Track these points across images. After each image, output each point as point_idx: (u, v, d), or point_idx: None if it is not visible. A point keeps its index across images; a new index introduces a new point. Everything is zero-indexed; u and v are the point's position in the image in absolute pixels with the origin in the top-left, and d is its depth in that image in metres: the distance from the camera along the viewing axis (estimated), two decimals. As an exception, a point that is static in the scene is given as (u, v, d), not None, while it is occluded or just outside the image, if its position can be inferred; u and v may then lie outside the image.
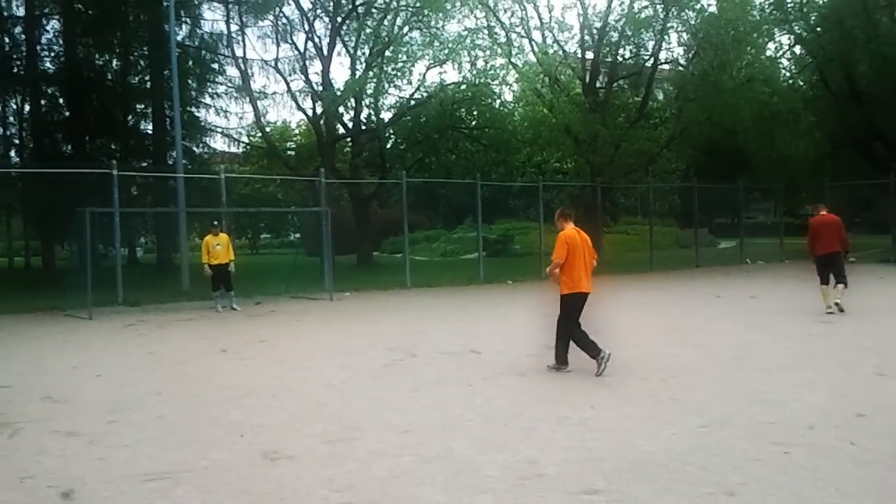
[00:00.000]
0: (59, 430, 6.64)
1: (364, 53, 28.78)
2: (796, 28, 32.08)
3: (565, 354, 8.90)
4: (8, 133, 33.00)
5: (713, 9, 26.44)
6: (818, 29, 31.66)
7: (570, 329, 8.81)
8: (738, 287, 19.94)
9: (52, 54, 31.08)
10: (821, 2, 31.66)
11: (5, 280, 22.89)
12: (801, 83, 34.12)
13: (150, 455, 5.87)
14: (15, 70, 30.18)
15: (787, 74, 33.88)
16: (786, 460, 5.47)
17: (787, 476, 5.13)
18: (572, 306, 8.79)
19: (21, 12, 29.31)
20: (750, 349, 10.25)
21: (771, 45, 30.65)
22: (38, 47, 29.40)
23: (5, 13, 30.14)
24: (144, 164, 31.21)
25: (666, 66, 30.25)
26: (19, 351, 11.53)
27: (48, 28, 30.74)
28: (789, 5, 31.10)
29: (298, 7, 29.19)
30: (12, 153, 32.74)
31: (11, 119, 33.08)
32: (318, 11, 29.46)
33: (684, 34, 28.06)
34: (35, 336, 13.16)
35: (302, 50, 29.81)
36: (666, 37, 27.71)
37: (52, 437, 6.46)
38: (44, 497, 5.00)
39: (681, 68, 29.55)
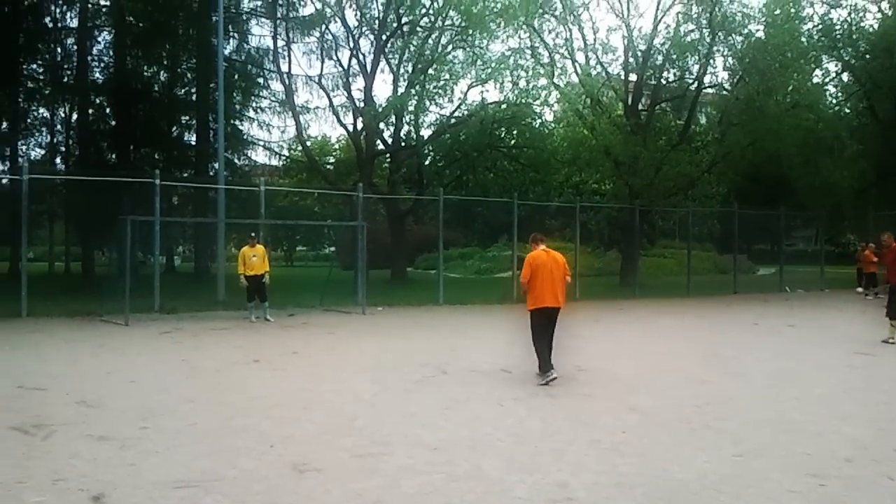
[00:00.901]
0: (92, 434, 6.71)
1: (407, 71, 28.99)
2: (844, 55, 31.72)
3: (547, 362, 9.56)
4: (55, 140, 33.74)
5: (760, 34, 26.19)
6: (867, 56, 31.26)
7: (535, 340, 9.70)
8: (777, 315, 19.60)
9: (102, 65, 31.84)
10: (870, 29, 31.27)
11: (45, 284, 23.26)
12: (848, 110, 33.65)
13: (180, 462, 5.90)
14: (65, 79, 30.93)
15: (833, 101, 33.43)
16: (821, 493, 5.34)
17: (823, 510, 5.01)
18: (537, 320, 9.70)
19: (74, 24, 30.08)
20: (787, 378, 10.05)
21: (818, 72, 30.31)
22: (89, 58, 30.10)
23: (59, 24, 30.95)
24: (186, 174, 31.68)
25: (710, 90, 30.00)
26: (55, 354, 11.69)
27: (99, 39, 31.59)
28: (838, 32, 30.77)
29: (344, 24, 29.53)
30: (58, 160, 33.44)
31: (59, 127, 33.83)
32: (364, 29, 29.75)
33: (730, 59, 27.81)
34: (71, 340, 13.35)
35: (346, 66, 30.12)
36: (711, 61, 27.50)
37: (85, 440, 6.52)
38: (75, 500, 5.04)
39: (725, 93, 29.28)
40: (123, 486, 5.31)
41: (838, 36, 30.82)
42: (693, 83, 28.30)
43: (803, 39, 27.23)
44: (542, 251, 9.82)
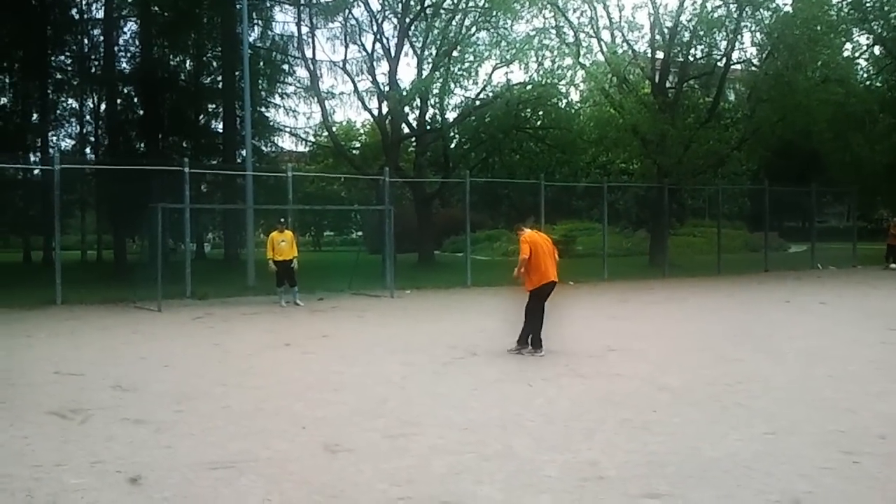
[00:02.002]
0: (128, 418, 6.82)
1: (431, 54, 28.84)
2: (876, 27, 31.05)
3: (539, 339, 9.98)
4: (85, 131, 34.16)
5: (788, 8, 25.75)
6: (899, 28, 30.62)
7: (534, 316, 9.97)
8: (809, 293, 19.39)
9: (129, 55, 32.10)
10: (902, 0, 30.61)
11: (78, 272, 23.61)
12: (879, 84, 33.02)
13: (215, 444, 5.99)
14: (93, 70, 31.23)
15: (864, 75, 32.82)
16: (855, 470, 5.30)
17: (856, 486, 4.98)
18: (538, 297, 9.96)
19: (100, 15, 30.32)
20: (820, 356, 9.97)
21: (848, 46, 29.72)
22: (116, 48, 30.32)
23: (86, 16, 31.24)
24: (214, 161, 31.91)
25: (738, 66, 29.58)
26: (91, 340, 11.88)
27: (125, 30, 31.85)
28: (868, 5, 30.09)
29: (367, 9, 29.43)
30: (88, 150, 33.85)
31: (88, 117, 34.24)
32: (387, 13, 29.63)
33: (758, 34, 27.39)
34: (105, 326, 13.55)
35: (370, 51, 30.01)
36: (739, 36, 27.09)
37: (121, 424, 6.63)
38: (113, 482, 5.14)
39: (754, 68, 28.85)
40: (160, 467, 5.40)
41: (869, 8, 30.14)
42: (721, 59, 27.92)
43: (832, 13, 26.70)
44: (532, 233, 10.28)
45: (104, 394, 7.89)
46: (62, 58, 31.94)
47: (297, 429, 6.43)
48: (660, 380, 8.39)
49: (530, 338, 10.06)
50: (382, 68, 30.07)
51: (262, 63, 32.20)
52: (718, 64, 28.10)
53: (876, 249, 30.43)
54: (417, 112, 30.27)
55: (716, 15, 26.26)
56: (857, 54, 31.50)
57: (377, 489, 4.95)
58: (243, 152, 25.48)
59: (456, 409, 7.10)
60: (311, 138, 37.52)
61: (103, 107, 32.14)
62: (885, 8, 30.21)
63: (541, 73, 25.54)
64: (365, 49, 30.38)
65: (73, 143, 34.25)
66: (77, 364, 9.63)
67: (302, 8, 29.73)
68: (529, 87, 27.13)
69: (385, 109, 29.66)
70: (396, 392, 7.94)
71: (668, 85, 28.55)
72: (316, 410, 7.08)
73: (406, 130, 30.93)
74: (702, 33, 26.86)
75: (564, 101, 29.86)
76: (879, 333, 11.93)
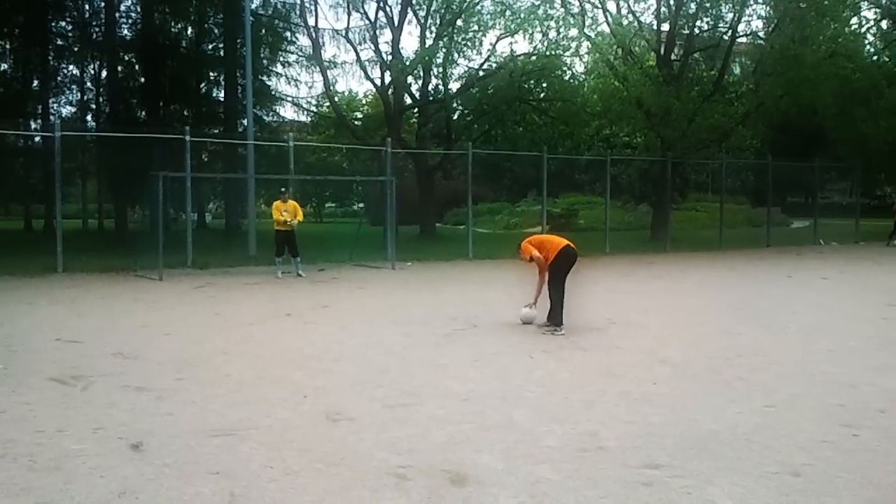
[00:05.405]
0: (129, 385, 6.83)
1: (435, 23, 28.59)
2: (883, 1, 30.75)
3: (560, 316, 9.71)
4: (85, 98, 33.97)
5: (795, -20, 25.49)
6: (907, 2, 30.37)
7: (554, 289, 9.85)
8: (810, 268, 19.38)
9: (130, 21, 31.86)
10: (911, -27, 30.33)
11: (79, 240, 23.58)
12: (886, 59, 32.79)
13: (216, 412, 6.00)
14: (94, 36, 31.00)
15: (872, 50, 32.56)
16: (854, 443, 5.31)
17: (855, 459, 4.99)
18: (557, 267, 9.87)
19: (102, -20, 30.04)
20: (820, 330, 9.97)
21: (855, 19, 29.46)
22: (117, 14, 30.07)
23: (86, -19, 30.96)
24: (216, 130, 31.78)
25: (744, 39, 29.33)
26: (92, 308, 11.89)
27: (127, -4, 31.50)
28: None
29: (371, -25, 29.15)
30: (88, 117, 33.70)
31: (89, 84, 34.04)
32: (391, -20, 29.33)
33: (764, 6, 27.15)
34: (107, 295, 13.55)
35: (373, 19, 29.78)
36: (745, 9, 26.82)
37: (123, 391, 6.65)
38: (114, 448, 5.15)
39: (760, 42, 28.61)
40: (161, 434, 5.41)
41: (877, -19, 29.95)
42: (727, 32, 27.67)
43: (840, -15, 26.45)
44: (536, 237, 10.56)
45: (105, 361, 7.90)
46: (62, 24, 31.73)
47: (298, 398, 6.44)
48: (660, 353, 8.40)
49: (552, 313, 9.80)
50: (385, 37, 29.84)
51: (263, 31, 31.95)
52: (724, 36, 27.85)
53: (879, 226, 30.42)
54: (420, 82, 30.09)
55: (723, -14, 25.98)
56: (864, 28, 31.25)
57: (378, 457, 4.97)
58: (244, 121, 25.37)
59: (456, 380, 7.11)
60: (313, 108, 37.37)
61: (104, 74, 31.98)
62: (894, -19, 29.98)
63: (545, 43, 25.37)
64: (368, 17, 30.13)
65: (73, 110, 34.13)
66: (78, 331, 9.64)
67: (305, -26, 29.45)
68: (533, 58, 26.95)
69: (388, 79, 29.47)
70: (397, 362, 7.95)
71: (673, 57, 28.33)
72: (317, 380, 7.10)
73: (408, 101, 30.77)
74: (708, 5, 26.58)
75: (569, 72, 29.74)
76: (880, 309, 11.93)
